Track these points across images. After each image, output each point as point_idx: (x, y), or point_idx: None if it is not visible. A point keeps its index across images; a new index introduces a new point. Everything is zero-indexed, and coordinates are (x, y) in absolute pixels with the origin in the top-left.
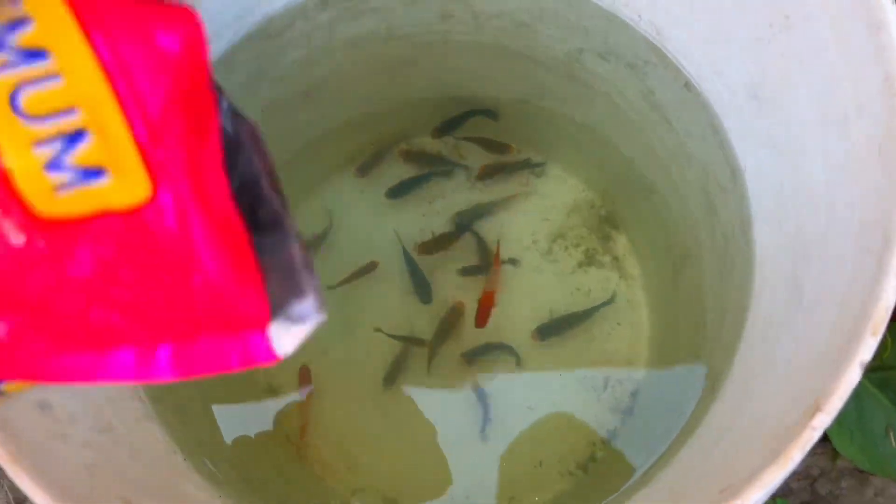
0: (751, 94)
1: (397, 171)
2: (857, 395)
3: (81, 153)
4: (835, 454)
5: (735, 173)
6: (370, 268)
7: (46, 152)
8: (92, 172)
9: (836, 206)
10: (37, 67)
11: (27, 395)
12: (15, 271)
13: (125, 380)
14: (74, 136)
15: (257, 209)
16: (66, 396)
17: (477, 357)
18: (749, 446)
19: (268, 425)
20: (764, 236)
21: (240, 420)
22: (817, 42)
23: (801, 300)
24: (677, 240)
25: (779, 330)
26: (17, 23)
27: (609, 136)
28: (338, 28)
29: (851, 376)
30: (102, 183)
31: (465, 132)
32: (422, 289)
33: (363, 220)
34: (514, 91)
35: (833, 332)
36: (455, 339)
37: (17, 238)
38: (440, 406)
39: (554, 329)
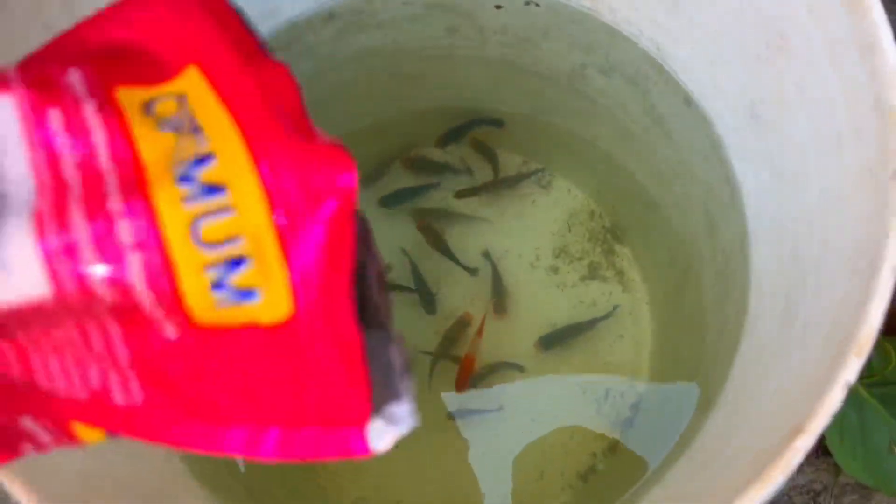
0: (750, 112)
1: (401, 181)
2: (861, 410)
3: (241, 276)
4: (838, 469)
5: (735, 191)
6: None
7: (214, 275)
8: (247, 293)
9: (830, 228)
10: (216, 201)
11: None
12: (161, 357)
13: (234, 454)
14: (237, 261)
15: (367, 315)
16: None
17: (479, 381)
18: (736, 467)
19: None
20: (761, 256)
21: None
22: (812, 63)
23: (794, 322)
24: (679, 255)
25: (772, 351)
26: (203, 158)
27: (612, 150)
28: (344, 42)
29: (834, 397)
30: (254, 302)
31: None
32: (426, 299)
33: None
34: (519, 105)
35: (822, 354)
36: (460, 351)
37: (171, 333)
38: (443, 418)
39: (557, 340)
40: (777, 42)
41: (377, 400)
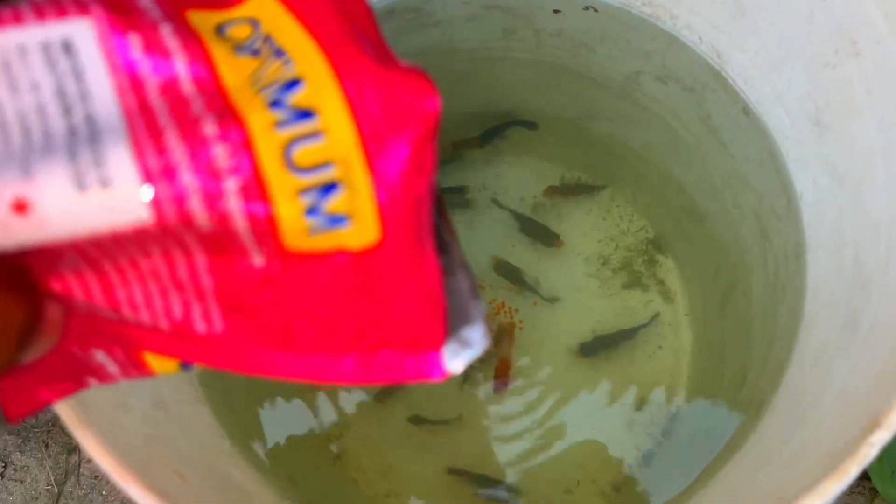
0: (812, 120)
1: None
2: None
3: (333, 202)
4: (874, 493)
5: (791, 200)
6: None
7: (307, 201)
8: (338, 219)
9: None
10: (306, 125)
11: None
12: (246, 286)
13: (313, 379)
14: (329, 187)
15: (437, 238)
16: None
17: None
18: (801, 466)
19: (309, 427)
20: (818, 264)
21: (283, 419)
22: (886, 68)
23: (858, 327)
24: (726, 267)
25: (832, 356)
26: (291, 83)
27: (661, 159)
28: (401, 40)
29: None
30: (344, 228)
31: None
32: None
33: None
34: (567, 111)
35: (891, 356)
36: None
37: (259, 261)
38: (476, 419)
39: (596, 347)
40: (848, 48)
41: (451, 323)
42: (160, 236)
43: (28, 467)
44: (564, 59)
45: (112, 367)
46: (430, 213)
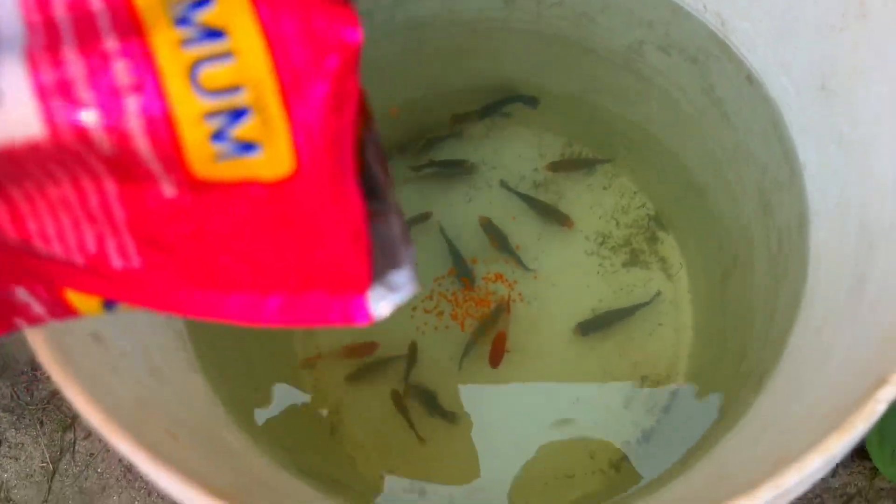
0: (818, 86)
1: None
2: None
3: (242, 128)
4: (873, 473)
5: (794, 170)
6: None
7: (214, 124)
8: (248, 146)
9: None
10: (215, 45)
11: (83, 325)
12: (159, 217)
13: (238, 320)
14: (238, 113)
15: (367, 183)
16: (118, 333)
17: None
18: (804, 429)
19: (305, 399)
20: (822, 233)
21: (280, 392)
22: (893, 29)
23: (864, 292)
24: (729, 242)
25: (836, 323)
26: (201, 1)
27: (663, 133)
28: (402, 8)
29: None
30: (255, 156)
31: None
32: (464, 272)
33: (409, 206)
34: (569, 84)
35: None
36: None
37: (170, 191)
38: (475, 398)
39: (595, 325)
40: (856, 9)
41: (378, 267)
42: (62, 158)
43: (23, 444)
44: (565, 30)
45: (37, 307)
46: (353, 148)
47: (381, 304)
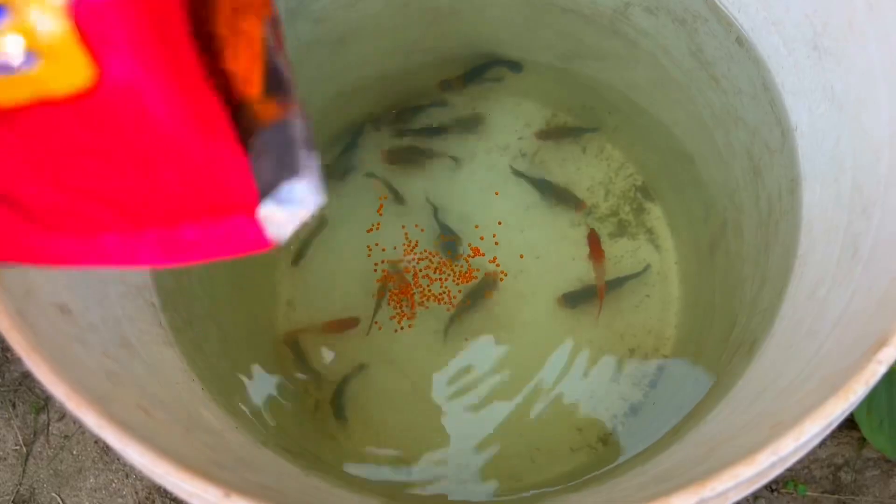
0: (810, 44)
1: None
2: (891, 386)
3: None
4: (861, 443)
5: (785, 132)
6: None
7: None
8: (22, 59)
9: None
10: None
11: (47, 297)
12: None
13: (111, 264)
14: None
15: (271, 81)
16: (85, 305)
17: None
18: (799, 392)
19: (285, 377)
20: (814, 195)
21: (259, 369)
22: None
23: (857, 253)
24: (716, 209)
25: (830, 285)
26: None
27: (650, 100)
28: None
29: None
30: (32, 68)
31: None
32: (450, 244)
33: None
34: (553, 49)
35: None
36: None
37: None
38: (459, 371)
39: (581, 297)
40: None
41: (267, 179)
42: None
43: None
44: None
45: None
46: (186, 39)
47: (279, 222)
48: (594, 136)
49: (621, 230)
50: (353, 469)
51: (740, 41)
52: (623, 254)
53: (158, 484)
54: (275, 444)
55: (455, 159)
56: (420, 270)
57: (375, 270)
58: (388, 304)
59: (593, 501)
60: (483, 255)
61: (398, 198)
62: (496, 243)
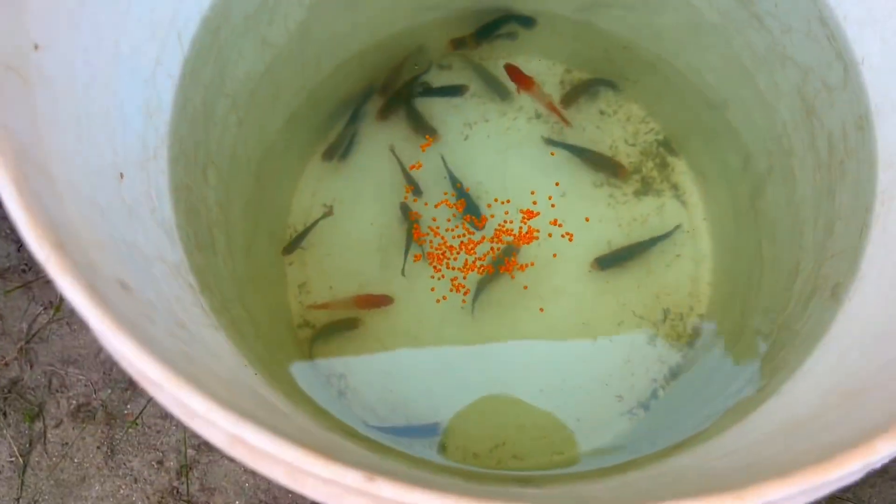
0: None
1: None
2: None
3: None
4: None
5: (849, 66)
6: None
7: None
8: None
9: None
10: None
11: (107, 272)
12: None
13: None
14: None
15: None
16: (139, 283)
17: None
18: None
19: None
20: (892, 130)
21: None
22: None
23: None
24: (757, 156)
25: None
26: None
27: (678, 48)
28: None
29: None
30: None
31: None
32: (472, 209)
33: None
34: (573, 3)
35: None
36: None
37: None
38: (492, 344)
39: (613, 260)
40: None
41: None
42: None
43: None
44: None
45: None
46: None
47: None
48: (611, 93)
49: (646, 188)
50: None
51: None
52: (649, 211)
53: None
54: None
55: (469, 125)
56: (447, 238)
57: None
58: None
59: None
60: (511, 222)
61: (406, 174)
62: (524, 211)
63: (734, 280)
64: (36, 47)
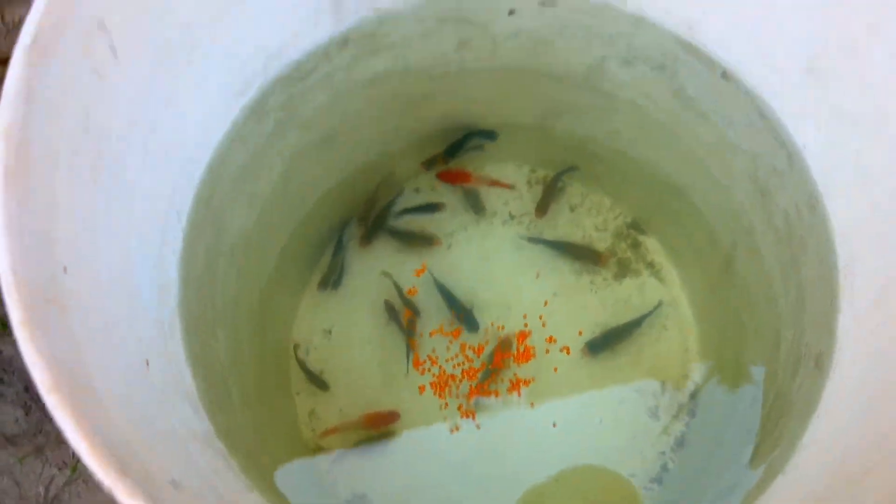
0: (806, 68)
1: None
2: None
3: None
4: None
5: (792, 154)
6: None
7: None
8: None
9: None
10: None
11: (160, 477)
12: None
13: None
14: None
15: None
16: (185, 474)
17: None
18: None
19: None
20: (841, 207)
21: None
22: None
23: None
24: (721, 232)
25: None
26: None
27: (632, 145)
28: (357, 67)
29: None
30: None
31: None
32: (467, 319)
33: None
34: (529, 112)
35: None
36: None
37: None
38: (493, 436)
39: (603, 344)
40: None
41: None
42: None
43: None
44: (522, 59)
45: None
46: None
47: None
48: (578, 186)
49: (623, 269)
50: None
51: (726, 76)
52: (631, 292)
53: None
54: None
55: (449, 235)
56: (449, 357)
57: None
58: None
59: None
60: (502, 327)
61: (403, 298)
62: (517, 312)
63: (721, 348)
64: (65, 270)
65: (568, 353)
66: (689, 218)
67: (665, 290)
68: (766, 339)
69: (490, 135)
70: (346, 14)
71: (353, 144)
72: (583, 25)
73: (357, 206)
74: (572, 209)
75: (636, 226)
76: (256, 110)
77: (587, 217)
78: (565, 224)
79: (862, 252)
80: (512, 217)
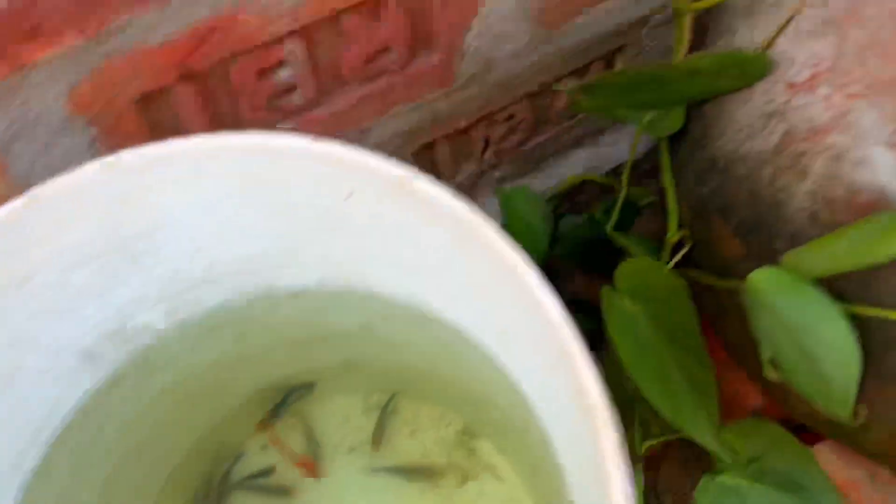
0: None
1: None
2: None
3: None
4: None
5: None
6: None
7: None
8: None
9: None
10: None
11: None
12: None
13: None
14: None
15: None
16: None
17: None
18: None
19: None
20: None
21: None
22: None
23: None
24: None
25: None
26: None
27: (423, 373)
28: (140, 394)
29: None
30: None
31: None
32: None
33: None
34: (335, 360)
35: None
36: None
37: None
38: None
39: None
40: None
41: None
42: None
43: None
44: (303, 333)
45: None
46: None
47: None
48: (406, 412)
49: (464, 476)
50: None
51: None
52: (475, 498)
53: None
54: None
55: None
56: None
57: None
58: None
59: None
60: None
61: None
62: None
63: None
64: None
65: None
66: (513, 429)
67: (505, 488)
68: None
69: (308, 387)
70: (103, 364)
71: (166, 450)
72: (335, 309)
73: (200, 488)
74: (413, 431)
75: (467, 432)
76: (42, 473)
77: (424, 432)
78: (406, 443)
79: None
80: (351, 450)
